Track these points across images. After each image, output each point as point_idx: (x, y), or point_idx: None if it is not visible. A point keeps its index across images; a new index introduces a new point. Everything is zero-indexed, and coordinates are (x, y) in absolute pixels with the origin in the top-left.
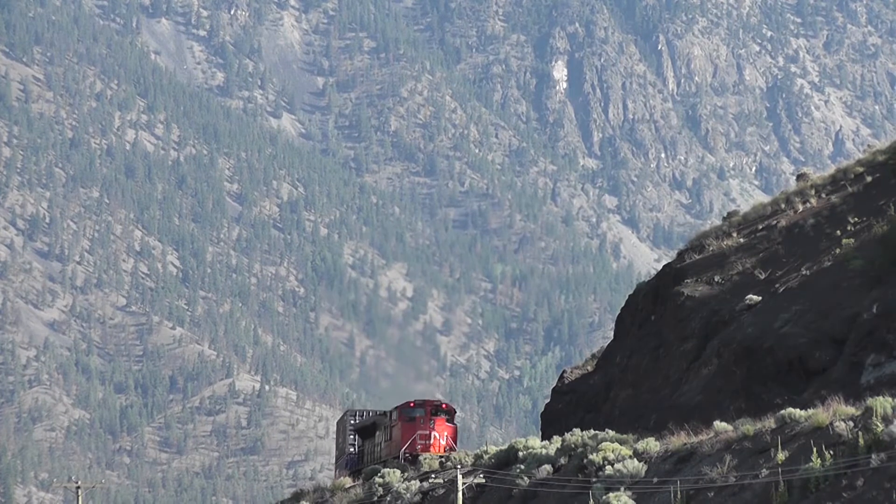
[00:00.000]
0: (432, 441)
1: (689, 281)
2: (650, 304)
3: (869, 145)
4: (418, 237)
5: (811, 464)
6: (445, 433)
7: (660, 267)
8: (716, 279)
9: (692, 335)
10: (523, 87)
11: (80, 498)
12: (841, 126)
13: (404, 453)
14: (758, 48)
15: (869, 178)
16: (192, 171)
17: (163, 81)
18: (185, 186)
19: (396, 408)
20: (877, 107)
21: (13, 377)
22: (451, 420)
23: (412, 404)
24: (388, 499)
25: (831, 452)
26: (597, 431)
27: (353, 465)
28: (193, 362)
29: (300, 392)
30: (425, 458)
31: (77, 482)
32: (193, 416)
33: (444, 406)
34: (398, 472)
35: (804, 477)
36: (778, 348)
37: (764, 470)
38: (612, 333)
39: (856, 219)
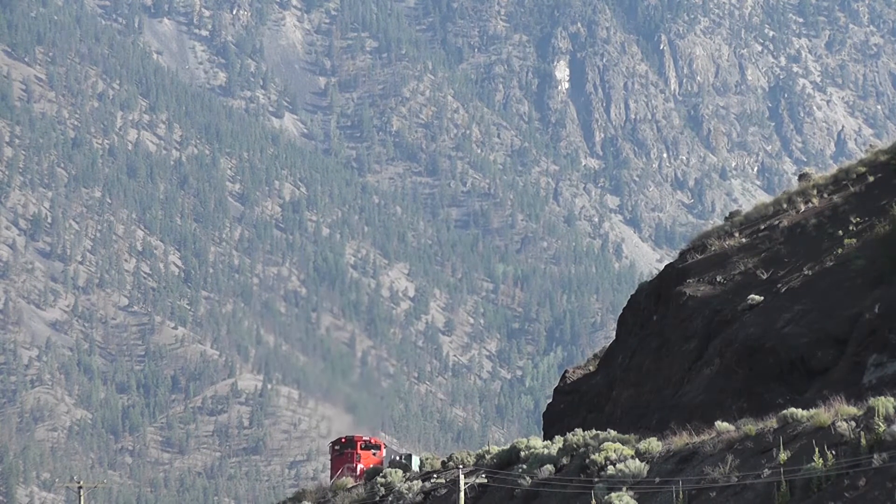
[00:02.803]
0: (358, 472)
1: (691, 281)
2: (652, 304)
3: (871, 145)
4: (420, 237)
5: (813, 464)
6: (371, 465)
7: (662, 267)
8: (718, 279)
9: (694, 335)
10: (525, 87)
11: (82, 498)
12: (843, 126)
13: (333, 482)
14: (760, 48)
15: (871, 178)
16: (194, 171)
17: (165, 81)
18: (187, 186)
19: (331, 443)
20: (879, 107)
21: (15, 377)
22: (376, 453)
23: (343, 440)
24: (391, 499)
25: (833, 452)
26: (599, 431)
27: None
28: (195, 362)
29: (302, 392)
30: (427, 459)
31: (79, 482)
32: (195, 415)
33: (372, 441)
34: (400, 472)
35: (806, 477)
36: (780, 348)
37: (766, 470)
38: (614, 333)
39: (858, 219)
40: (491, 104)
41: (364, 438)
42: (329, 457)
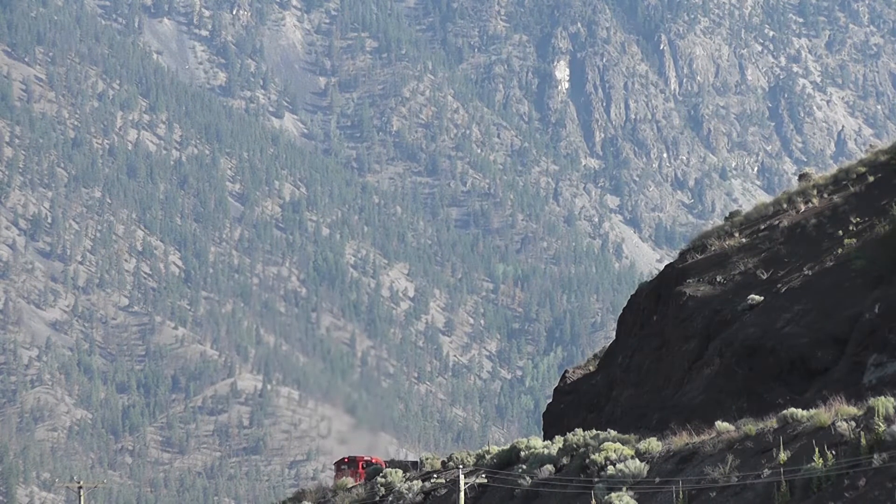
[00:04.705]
0: None
1: (691, 281)
2: (652, 304)
3: (871, 145)
4: (420, 237)
5: (813, 464)
6: None
7: (662, 267)
8: (718, 279)
9: (694, 335)
10: (525, 87)
11: (82, 498)
12: (843, 126)
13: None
14: (760, 48)
15: (871, 178)
16: (194, 171)
17: (165, 81)
18: (187, 186)
19: (336, 462)
20: (879, 107)
21: (15, 377)
22: None
23: (346, 460)
24: (391, 499)
25: (833, 452)
26: (599, 431)
27: None
28: (195, 362)
29: (302, 392)
30: (427, 459)
31: (79, 482)
32: (195, 415)
33: (373, 460)
34: (400, 472)
35: (806, 477)
36: (780, 348)
37: (766, 470)
38: (614, 333)
39: (858, 219)
40: (491, 104)
41: (365, 458)
42: (335, 475)
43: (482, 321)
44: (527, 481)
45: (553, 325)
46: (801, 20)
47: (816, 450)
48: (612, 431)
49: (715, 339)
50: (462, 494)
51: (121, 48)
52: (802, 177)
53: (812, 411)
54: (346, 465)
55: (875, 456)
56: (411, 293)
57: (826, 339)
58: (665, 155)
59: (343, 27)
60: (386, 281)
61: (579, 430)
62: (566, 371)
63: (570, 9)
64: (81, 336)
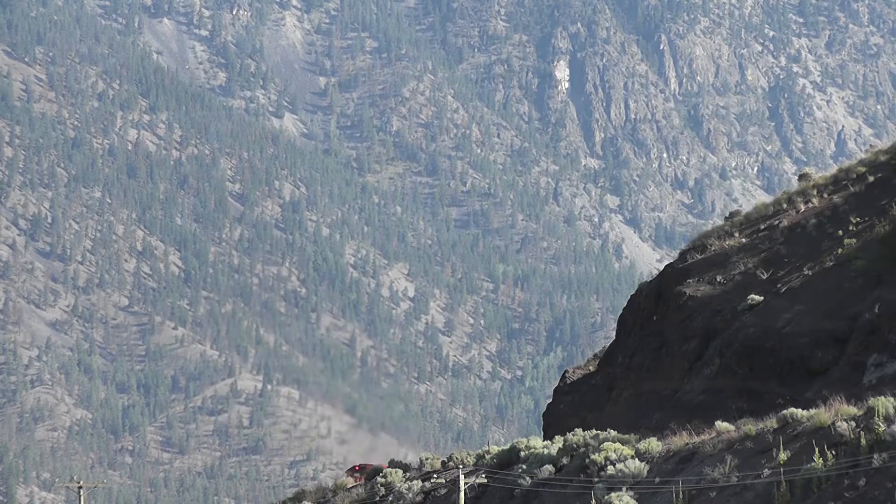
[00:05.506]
0: None
1: (691, 281)
2: (652, 304)
3: (871, 145)
4: (420, 237)
5: (813, 464)
6: None
7: (662, 267)
8: (718, 279)
9: (694, 335)
10: (525, 87)
11: (82, 498)
12: (843, 126)
13: None
14: (760, 48)
15: (871, 178)
16: (194, 170)
17: (165, 81)
18: (186, 186)
19: (347, 470)
20: (879, 107)
21: (15, 377)
22: None
23: (357, 468)
24: (391, 499)
25: (833, 452)
26: (599, 431)
27: None
28: (195, 362)
29: (302, 392)
30: (427, 459)
31: (79, 482)
32: (195, 415)
33: (382, 467)
34: (400, 472)
35: (806, 477)
36: (780, 348)
37: (766, 470)
38: (614, 333)
39: (858, 219)
40: (491, 104)
41: (374, 466)
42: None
43: (482, 321)
44: (527, 481)
45: (553, 325)
46: (801, 20)
47: (816, 450)
48: (612, 431)
49: (715, 339)
50: (462, 494)
51: (121, 48)
52: (802, 177)
53: (812, 411)
54: (358, 472)
55: (875, 456)
56: (411, 293)
57: (826, 339)
58: (665, 155)
59: (343, 27)
60: (386, 281)
61: (579, 430)
62: (566, 371)
63: (570, 9)
64: (81, 336)
